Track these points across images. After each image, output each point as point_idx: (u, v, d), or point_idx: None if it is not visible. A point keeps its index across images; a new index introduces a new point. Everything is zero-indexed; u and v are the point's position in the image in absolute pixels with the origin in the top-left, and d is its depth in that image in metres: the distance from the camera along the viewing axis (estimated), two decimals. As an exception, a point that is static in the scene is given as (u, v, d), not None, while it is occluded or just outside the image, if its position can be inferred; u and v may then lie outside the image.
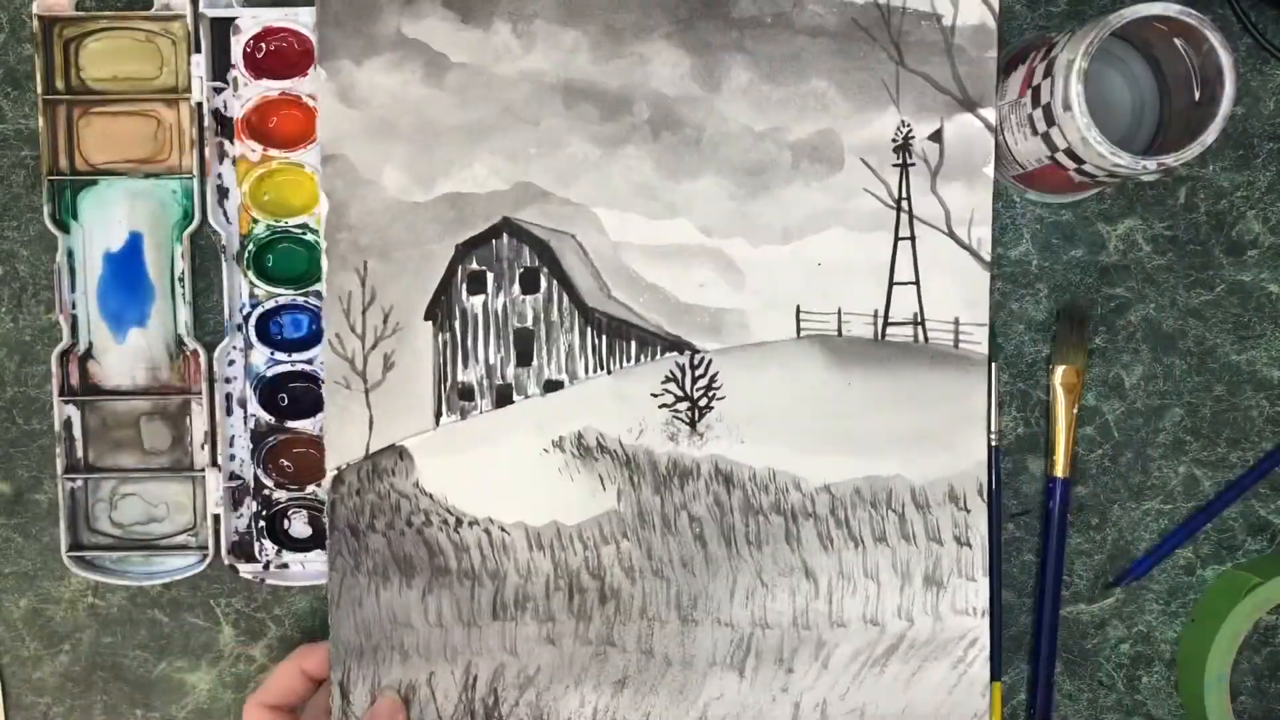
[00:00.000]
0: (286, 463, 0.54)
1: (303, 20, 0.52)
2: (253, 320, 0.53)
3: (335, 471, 0.51)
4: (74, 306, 0.53)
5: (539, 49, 0.50)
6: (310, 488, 0.54)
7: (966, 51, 0.50)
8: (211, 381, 0.53)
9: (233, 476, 0.54)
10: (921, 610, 0.51)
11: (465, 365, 0.51)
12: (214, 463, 0.53)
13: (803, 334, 0.51)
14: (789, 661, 0.51)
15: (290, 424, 0.53)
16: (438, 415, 0.51)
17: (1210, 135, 0.44)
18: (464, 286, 0.51)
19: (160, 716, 0.56)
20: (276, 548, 0.54)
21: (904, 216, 0.51)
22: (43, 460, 0.55)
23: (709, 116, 0.51)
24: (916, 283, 0.51)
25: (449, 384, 0.51)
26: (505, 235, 0.51)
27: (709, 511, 0.51)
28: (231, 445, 0.54)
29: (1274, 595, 0.52)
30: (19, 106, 0.54)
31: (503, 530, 0.51)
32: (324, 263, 0.51)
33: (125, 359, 0.54)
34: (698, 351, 0.51)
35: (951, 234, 0.51)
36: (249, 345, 0.53)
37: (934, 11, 0.50)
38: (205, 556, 0.54)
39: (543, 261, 0.51)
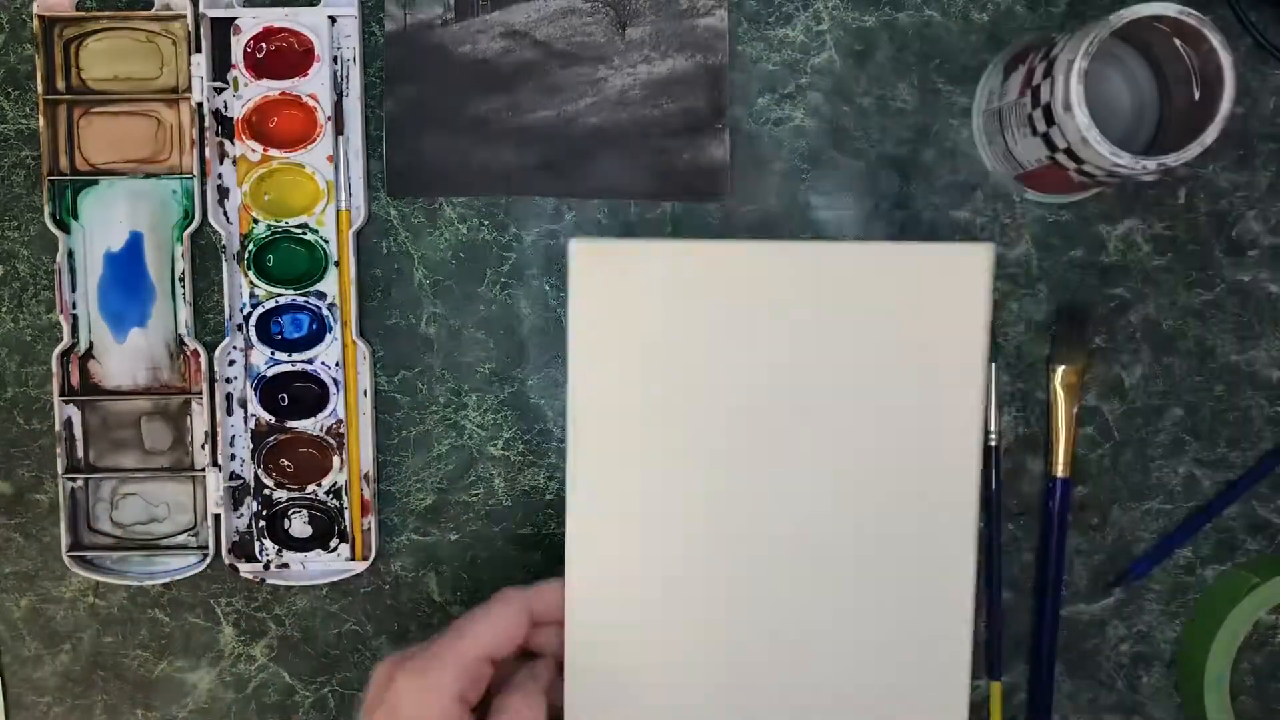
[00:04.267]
0: (287, 462, 0.54)
1: (303, 20, 0.52)
2: (253, 320, 0.53)
3: None
4: (74, 306, 0.53)
5: None
6: (310, 487, 0.54)
7: None
8: (212, 381, 0.53)
9: (233, 476, 0.54)
10: None
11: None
12: (214, 463, 0.53)
13: None
14: None
15: (290, 424, 0.53)
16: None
17: (1210, 135, 0.44)
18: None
19: (161, 716, 0.56)
20: (277, 547, 0.54)
21: None
22: (43, 460, 0.55)
23: None
24: None
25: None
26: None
27: None
28: (232, 445, 0.54)
29: (1274, 595, 0.52)
30: (19, 106, 0.54)
31: None
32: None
33: (126, 359, 0.54)
34: None
35: None
36: (249, 345, 0.53)
37: None
38: (206, 556, 0.54)
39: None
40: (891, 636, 0.47)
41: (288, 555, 0.54)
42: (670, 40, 0.53)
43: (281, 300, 0.53)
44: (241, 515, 0.54)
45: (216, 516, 0.54)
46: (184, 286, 0.53)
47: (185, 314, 0.53)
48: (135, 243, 0.53)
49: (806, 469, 0.47)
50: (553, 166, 0.53)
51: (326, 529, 0.54)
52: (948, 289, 0.45)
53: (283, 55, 0.52)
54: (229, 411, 0.54)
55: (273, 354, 0.53)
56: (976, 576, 0.54)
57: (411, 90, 0.53)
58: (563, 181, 0.54)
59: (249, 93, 0.52)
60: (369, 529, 0.54)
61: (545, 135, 0.53)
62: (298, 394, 0.54)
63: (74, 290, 0.53)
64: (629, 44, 0.53)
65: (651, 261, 0.46)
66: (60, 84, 0.53)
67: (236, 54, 0.52)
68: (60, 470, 0.53)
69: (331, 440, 0.54)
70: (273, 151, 0.52)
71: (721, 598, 0.47)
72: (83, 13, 0.53)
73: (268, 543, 0.54)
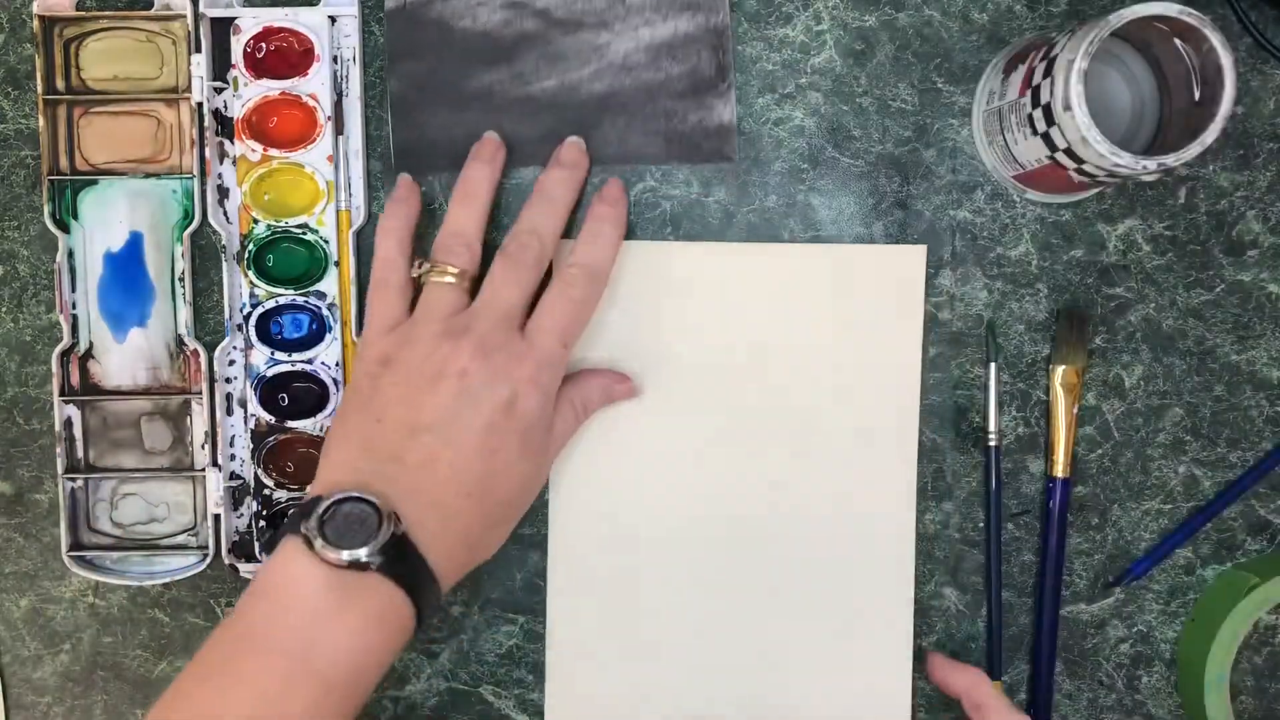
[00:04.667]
0: (287, 462, 0.54)
1: (303, 20, 0.52)
2: (253, 320, 0.53)
3: None
4: (74, 306, 0.53)
5: None
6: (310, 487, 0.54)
7: None
8: (212, 381, 0.53)
9: (233, 476, 0.54)
10: None
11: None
12: (214, 463, 0.53)
13: None
14: None
15: (290, 424, 0.53)
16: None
17: (1210, 135, 0.44)
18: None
19: (160, 716, 0.56)
20: (277, 547, 0.54)
21: None
22: (43, 460, 0.55)
23: None
24: None
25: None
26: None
27: None
28: (232, 445, 0.54)
29: (1274, 595, 0.52)
30: (19, 106, 0.54)
31: None
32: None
33: (126, 359, 0.54)
34: None
35: None
36: (249, 345, 0.53)
37: None
38: (206, 556, 0.54)
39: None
40: (843, 594, 0.54)
41: (288, 555, 0.54)
42: (670, 1, 0.53)
43: (281, 300, 0.53)
44: (241, 515, 0.54)
45: (216, 516, 0.54)
46: (184, 286, 0.53)
47: (185, 314, 0.53)
48: (135, 243, 0.53)
49: (772, 438, 0.54)
50: (559, 136, 0.53)
51: (326, 529, 0.54)
52: (891, 283, 0.53)
53: (283, 55, 0.52)
54: (229, 411, 0.54)
55: (273, 354, 0.53)
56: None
57: (414, 66, 0.53)
58: None
59: (249, 93, 0.52)
60: (369, 529, 0.54)
61: (550, 104, 0.53)
62: (298, 394, 0.54)
63: (74, 290, 0.53)
64: (629, 8, 0.53)
65: (643, 260, 0.53)
66: (60, 84, 0.53)
67: (236, 54, 0.52)
68: (60, 470, 0.53)
69: (331, 440, 0.54)
70: (273, 151, 0.52)
71: (693, 550, 0.54)
72: (83, 13, 0.53)
73: (268, 543, 0.54)
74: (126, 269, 0.53)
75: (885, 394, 0.53)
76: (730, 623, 0.54)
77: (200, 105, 0.52)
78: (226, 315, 0.53)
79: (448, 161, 0.53)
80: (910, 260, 0.53)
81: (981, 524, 0.54)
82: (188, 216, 0.53)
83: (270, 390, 0.53)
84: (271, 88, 0.52)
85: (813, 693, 0.54)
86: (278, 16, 0.52)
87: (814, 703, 0.54)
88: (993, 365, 0.53)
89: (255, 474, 0.54)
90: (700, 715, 0.54)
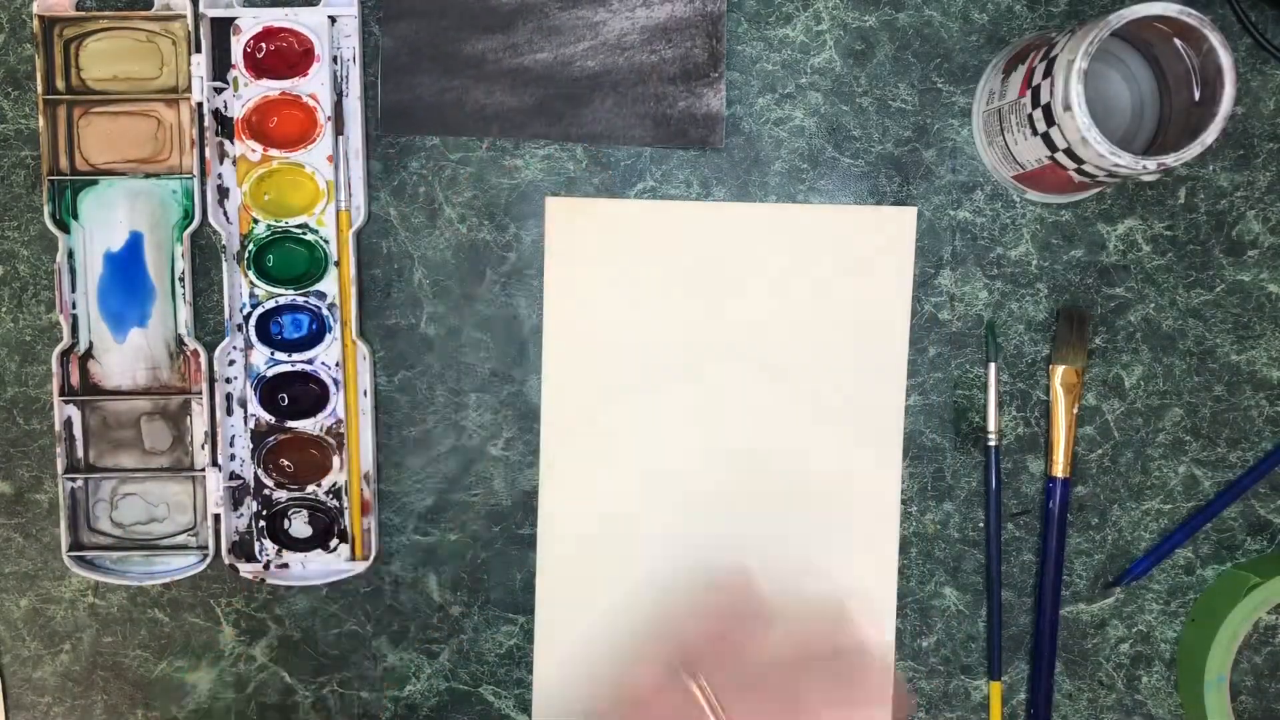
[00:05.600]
0: (286, 462, 0.54)
1: (303, 20, 0.52)
2: (253, 320, 0.53)
3: None
4: (74, 306, 0.53)
5: None
6: (310, 487, 0.54)
7: None
8: (212, 381, 0.53)
9: (233, 476, 0.54)
10: None
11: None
12: (214, 462, 0.53)
13: None
14: None
15: (290, 424, 0.53)
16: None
17: (1210, 135, 0.44)
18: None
19: (160, 716, 0.56)
20: (276, 547, 0.54)
21: None
22: (43, 460, 0.55)
23: None
24: None
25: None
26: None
27: None
28: (231, 445, 0.54)
29: (1274, 595, 0.52)
30: (19, 106, 0.54)
31: None
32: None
33: (125, 359, 0.54)
34: None
35: None
36: (249, 345, 0.53)
37: None
38: (205, 556, 0.54)
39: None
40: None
41: (287, 555, 0.54)
42: None
43: (281, 300, 0.53)
44: (241, 515, 0.54)
45: (216, 516, 0.54)
46: (184, 286, 0.53)
47: (185, 314, 0.53)
48: (135, 243, 0.53)
49: (755, 398, 0.54)
50: (548, 109, 0.53)
51: (326, 529, 0.54)
52: (882, 245, 0.53)
53: (283, 55, 0.52)
54: (229, 411, 0.54)
55: (273, 354, 0.53)
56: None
57: (408, 26, 0.53)
58: (557, 125, 0.53)
59: (249, 93, 0.52)
60: (369, 529, 0.54)
61: (542, 77, 0.53)
62: (298, 394, 0.54)
63: (74, 290, 0.53)
64: None
65: (619, 218, 0.54)
66: (60, 84, 0.53)
67: (236, 54, 0.52)
68: (60, 470, 0.53)
69: (331, 440, 0.54)
70: (273, 151, 0.52)
71: (675, 511, 0.54)
72: (83, 13, 0.53)
73: (267, 543, 0.54)
74: (126, 269, 0.53)
75: (873, 356, 0.53)
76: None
77: (200, 105, 0.52)
78: (226, 315, 0.53)
79: (435, 125, 0.53)
80: (901, 221, 0.53)
81: (981, 524, 0.54)
82: (188, 216, 0.53)
83: (270, 390, 0.53)
84: (271, 88, 0.52)
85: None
86: (278, 16, 0.52)
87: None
88: (993, 365, 0.53)
89: (255, 474, 0.54)
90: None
